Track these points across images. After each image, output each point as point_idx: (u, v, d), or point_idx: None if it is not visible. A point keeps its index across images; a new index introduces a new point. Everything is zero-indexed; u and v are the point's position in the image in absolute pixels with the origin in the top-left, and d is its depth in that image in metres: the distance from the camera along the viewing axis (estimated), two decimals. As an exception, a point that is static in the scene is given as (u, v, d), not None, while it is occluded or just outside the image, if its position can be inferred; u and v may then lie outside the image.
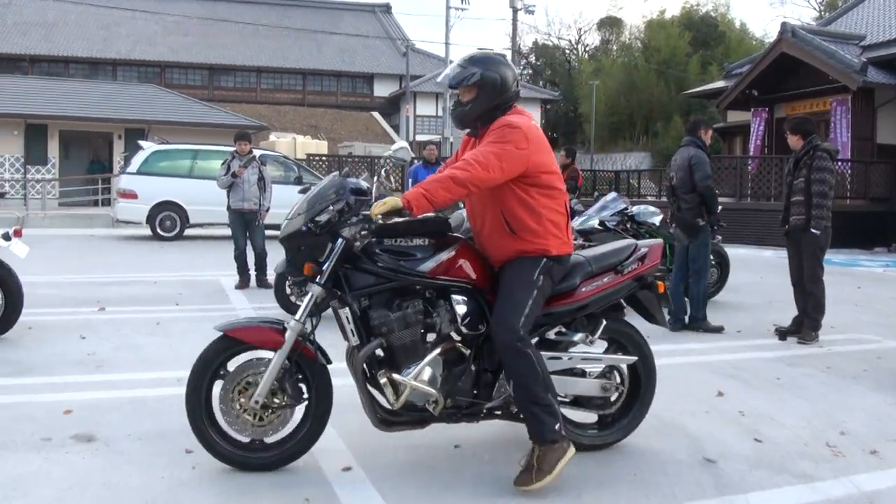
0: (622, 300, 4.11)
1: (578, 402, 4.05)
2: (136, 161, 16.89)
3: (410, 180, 12.30)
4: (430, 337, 3.72)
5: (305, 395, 3.72)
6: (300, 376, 3.72)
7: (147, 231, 16.70)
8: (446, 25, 32.49)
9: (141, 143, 17.94)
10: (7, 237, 6.55)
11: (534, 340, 3.79)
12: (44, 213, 22.68)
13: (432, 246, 3.67)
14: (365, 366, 3.61)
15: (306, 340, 3.68)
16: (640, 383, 4.15)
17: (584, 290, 3.86)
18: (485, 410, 3.78)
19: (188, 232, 16.74)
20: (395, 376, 3.57)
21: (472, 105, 3.73)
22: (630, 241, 4.16)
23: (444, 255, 3.66)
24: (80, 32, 42.02)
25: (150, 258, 13.19)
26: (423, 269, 3.61)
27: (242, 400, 3.64)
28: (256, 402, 3.60)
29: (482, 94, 3.70)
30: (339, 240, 3.55)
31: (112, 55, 41.58)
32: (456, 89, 3.80)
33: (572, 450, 3.58)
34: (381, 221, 3.44)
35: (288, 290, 7.71)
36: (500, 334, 3.56)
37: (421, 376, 3.57)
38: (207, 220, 16.42)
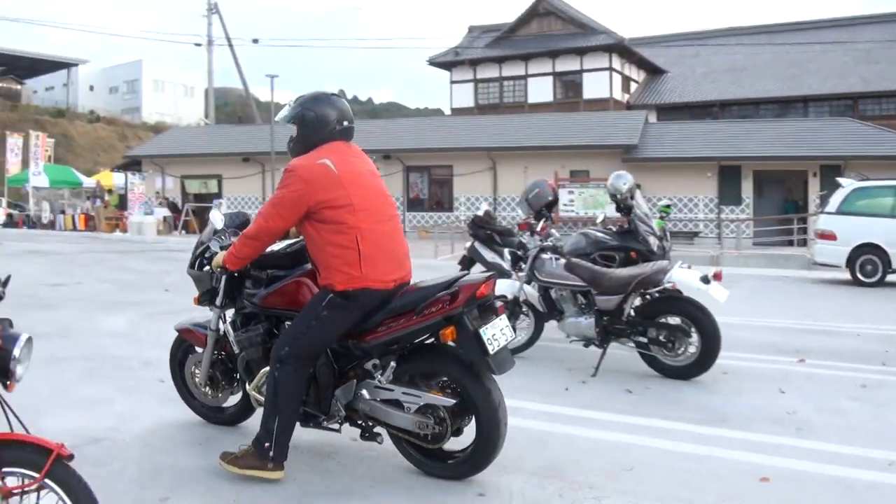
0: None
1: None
2: (836, 200, 15.72)
3: None
4: None
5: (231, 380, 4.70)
6: (229, 366, 4.62)
7: (846, 275, 15.31)
8: None
9: (839, 180, 16.73)
10: (706, 280, 6.49)
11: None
12: (738, 252, 23.03)
13: (269, 277, 4.22)
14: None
15: (227, 342, 4.51)
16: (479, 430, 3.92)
17: (383, 328, 3.87)
18: (323, 422, 4.11)
19: (890, 278, 14.86)
20: (247, 385, 4.34)
21: (294, 141, 4.04)
22: (455, 276, 3.91)
23: (273, 287, 4.17)
24: (769, 73, 42.22)
25: (850, 306, 11.99)
26: (255, 300, 4.23)
27: (199, 377, 4.78)
28: (200, 382, 4.75)
29: (301, 131, 3.99)
30: (223, 274, 4.27)
31: (802, 92, 40.90)
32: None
33: (276, 474, 3.87)
34: (218, 272, 4.27)
35: None
36: (272, 351, 3.98)
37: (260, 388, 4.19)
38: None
